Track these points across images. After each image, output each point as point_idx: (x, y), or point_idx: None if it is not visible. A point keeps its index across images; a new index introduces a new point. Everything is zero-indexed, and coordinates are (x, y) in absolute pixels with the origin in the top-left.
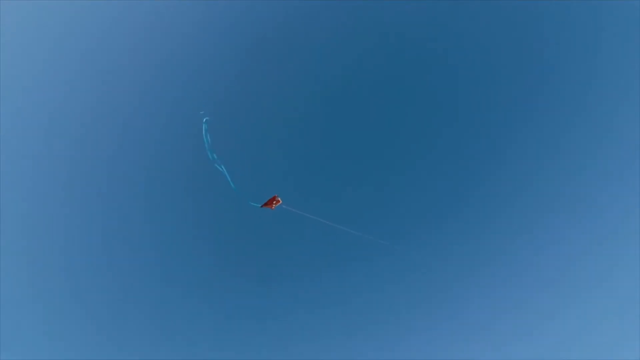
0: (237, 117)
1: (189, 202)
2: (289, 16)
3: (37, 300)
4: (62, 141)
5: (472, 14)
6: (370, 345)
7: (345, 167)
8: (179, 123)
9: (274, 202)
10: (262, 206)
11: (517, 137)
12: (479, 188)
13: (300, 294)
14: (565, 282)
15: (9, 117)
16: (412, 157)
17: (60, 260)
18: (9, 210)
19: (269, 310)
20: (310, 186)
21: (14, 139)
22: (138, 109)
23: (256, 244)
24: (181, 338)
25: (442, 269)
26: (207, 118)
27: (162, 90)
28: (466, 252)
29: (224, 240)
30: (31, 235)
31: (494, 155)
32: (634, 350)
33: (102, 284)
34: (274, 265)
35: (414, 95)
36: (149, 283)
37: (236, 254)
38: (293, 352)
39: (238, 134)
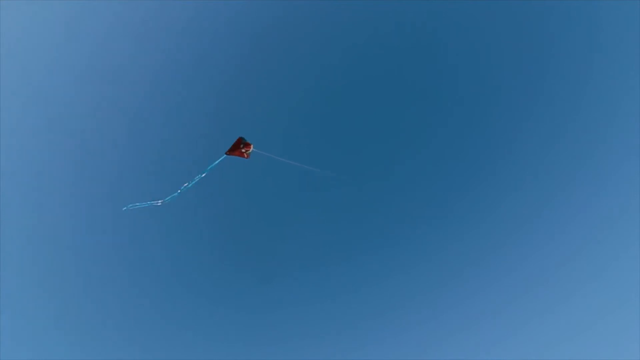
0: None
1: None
2: (287, 14)
3: (36, 299)
4: (62, 140)
5: (470, 12)
6: (355, 345)
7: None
8: (179, 120)
9: (242, 147)
10: (228, 153)
11: (513, 133)
12: (474, 185)
13: (294, 292)
14: (562, 281)
15: (9, 117)
16: (402, 154)
17: (59, 258)
18: (9, 209)
19: (269, 307)
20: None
21: (14, 139)
22: (140, 106)
23: (251, 238)
24: (176, 336)
25: (436, 266)
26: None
27: (161, 89)
28: (462, 249)
29: (221, 235)
30: (31, 234)
31: (488, 154)
32: (634, 351)
33: (100, 283)
34: (272, 260)
35: (409, 90)
36: (147, 281)
37: (232, 248)
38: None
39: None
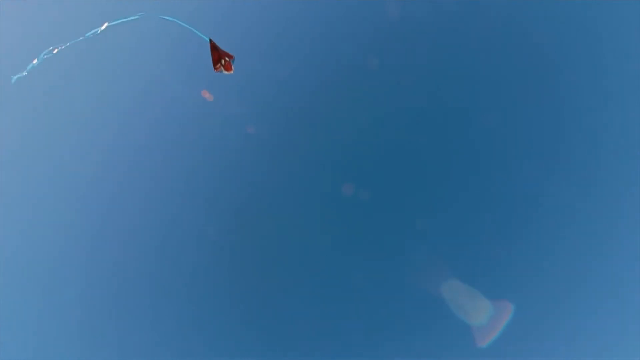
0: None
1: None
2: (287, 15)
3: (36, 299)
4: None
5: (472, 13)
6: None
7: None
8: (180, 120)
9: (220, 58)
10: (217, 69)
11: (523, 136)
12: (487, 189)
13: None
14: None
15: (9, 117)
16: (420, 159)
17: (58, 259)
18: (8, 209)
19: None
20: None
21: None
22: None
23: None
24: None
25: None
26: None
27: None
28: (473, 254)
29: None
30: (30, 234)
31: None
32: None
33: (97, 284)
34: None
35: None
36: (145, 282)
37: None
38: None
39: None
